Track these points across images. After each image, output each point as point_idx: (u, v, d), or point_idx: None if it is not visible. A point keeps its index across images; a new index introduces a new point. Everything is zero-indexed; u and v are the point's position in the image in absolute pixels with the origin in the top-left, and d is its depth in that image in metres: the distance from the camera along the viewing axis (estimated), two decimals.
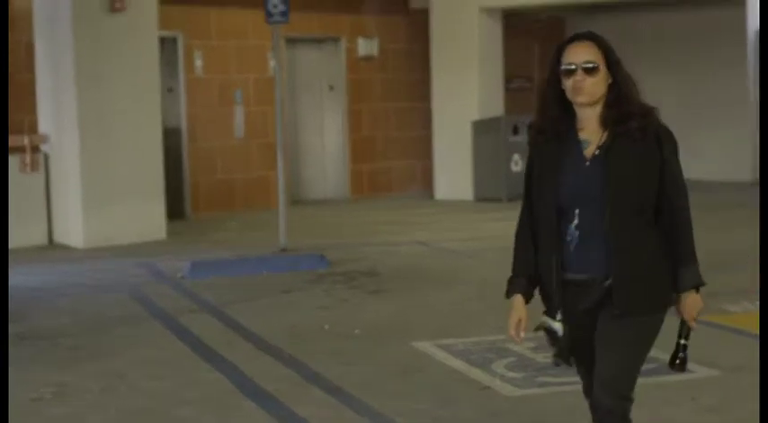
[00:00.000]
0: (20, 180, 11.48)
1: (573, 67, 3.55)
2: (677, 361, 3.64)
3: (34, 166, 11.66)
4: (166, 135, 12.41)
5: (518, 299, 3.66)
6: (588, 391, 3.71)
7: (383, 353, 6.79)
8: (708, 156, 17.10)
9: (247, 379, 6.22)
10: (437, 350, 6.77)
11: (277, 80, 11.02)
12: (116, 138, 11.49)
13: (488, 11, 15.22)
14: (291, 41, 14.87)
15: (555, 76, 3.61)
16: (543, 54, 16.21)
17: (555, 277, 3.59)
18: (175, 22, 13.49)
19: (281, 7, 10.62)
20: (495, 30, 15.02)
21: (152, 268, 10.12)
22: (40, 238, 11.68)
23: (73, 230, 11.52)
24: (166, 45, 13.30)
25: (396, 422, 5.38)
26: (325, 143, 15.75)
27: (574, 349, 3.63)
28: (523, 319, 3.64)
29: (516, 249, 3.71)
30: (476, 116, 15.18)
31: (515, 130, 14.74)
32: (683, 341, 3.65)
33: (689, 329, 3.64)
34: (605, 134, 3.57)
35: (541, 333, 3.67)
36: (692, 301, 3.61)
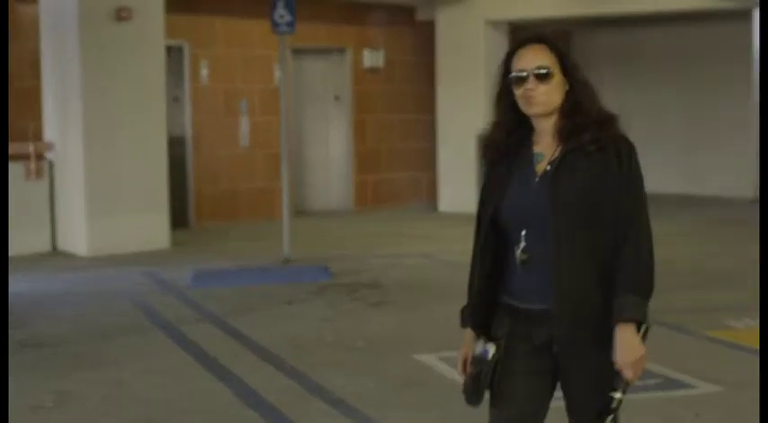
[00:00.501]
0: (24, 187, 11.50)
1: (524, 74, 3.16)
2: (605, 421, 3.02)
3: (39, 174, 11.67)
4: (171, 144, 12.41)
5: (468, 333, 3.30)
6: None
7: (385, 365, 6.78)
8: (710, 172, 17.12)
9: (250, 390, 6.20)
10: (439, 363, 6.75)
11: (282, 90, 11.01)
12: (121, 146, 11.50)
13: (494, 23, 15.24)
14: (297, 52, 14.90)
15: (506, 84, 3.22)
16: None
17: (497, 301, 3.25)
18: (182, 32, 13.51)
19: (288, 17, 10.63)
20: (501, 42, 15.00)
21: (155, 277, 10.11)
22: (43, 245, 11.68)
23: (77, 238, 11.52)
24: (172, 54, 13.32)
25: None
26: (329, 154, 15.75)
27: (495, 380, 3.22)
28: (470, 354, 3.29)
29: (471, 276, 3.31)
30: (480, 128, 15.13)
31: None
32: (617, 395, 3.00)
33: (626, 382, 3.02)
34: (559, 148, 3.16)
35: None
36: (625, 342, 3.02)
